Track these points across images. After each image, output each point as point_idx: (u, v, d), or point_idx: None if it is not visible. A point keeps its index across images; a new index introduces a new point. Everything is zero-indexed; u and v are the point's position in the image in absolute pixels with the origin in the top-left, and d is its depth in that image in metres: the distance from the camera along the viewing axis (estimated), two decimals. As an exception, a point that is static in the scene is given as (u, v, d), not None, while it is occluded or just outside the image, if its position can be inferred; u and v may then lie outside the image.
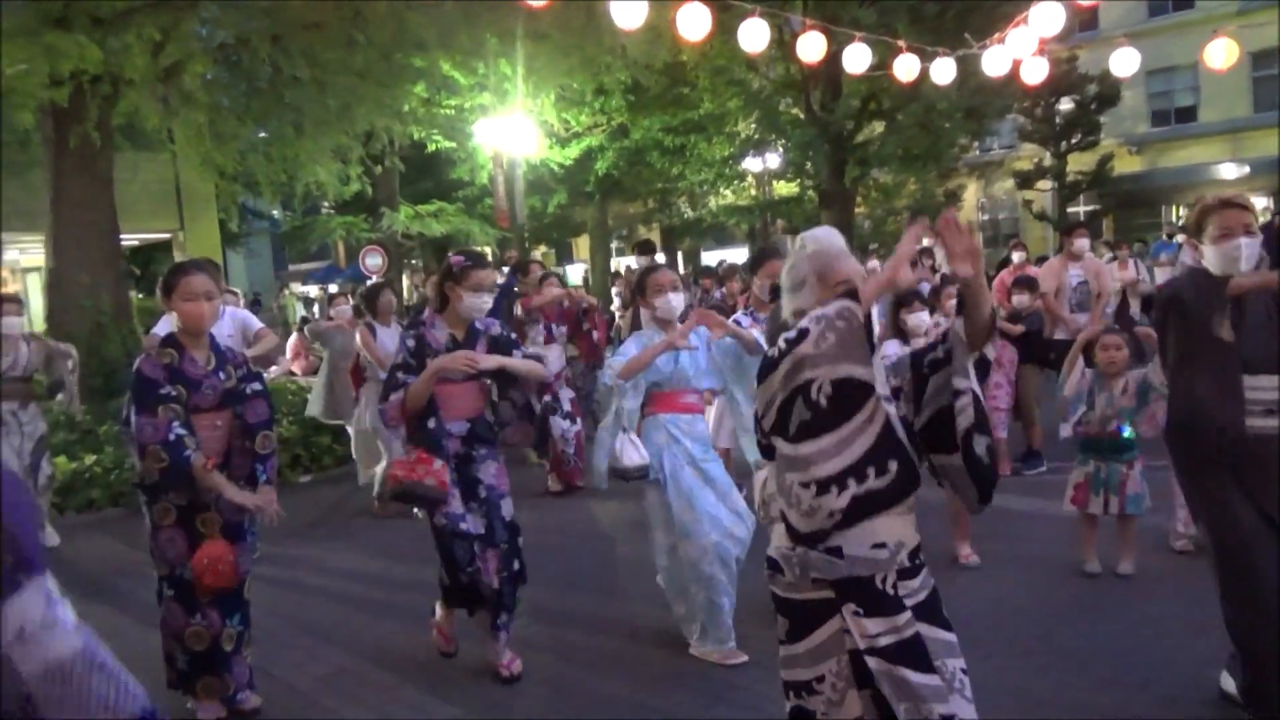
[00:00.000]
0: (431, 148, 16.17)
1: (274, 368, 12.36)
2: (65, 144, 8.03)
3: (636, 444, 3.97)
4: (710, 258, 26.18)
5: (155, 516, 3.59)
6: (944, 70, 7.11)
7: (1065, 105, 23.38)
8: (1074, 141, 23.54)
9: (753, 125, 20.26)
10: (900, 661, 2.12)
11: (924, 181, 22.20)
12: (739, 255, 23.29)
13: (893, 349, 6.00)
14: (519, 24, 8.53)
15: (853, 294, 2.18)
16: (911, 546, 2.22)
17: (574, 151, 19.71)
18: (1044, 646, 3.90)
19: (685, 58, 16.21)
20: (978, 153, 26.50)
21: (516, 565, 3.98)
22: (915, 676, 2.11)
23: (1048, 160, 24.04)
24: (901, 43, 7.03)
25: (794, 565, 2.21)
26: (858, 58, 6.83)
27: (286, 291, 26.29)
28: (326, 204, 17.48)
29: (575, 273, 27.36)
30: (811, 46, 6.72)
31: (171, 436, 3.36)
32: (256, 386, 3.74)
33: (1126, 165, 25.01)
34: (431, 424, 3.82)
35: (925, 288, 6.01)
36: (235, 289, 7.33)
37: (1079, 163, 23.44)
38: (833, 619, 2.19)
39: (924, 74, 7.16)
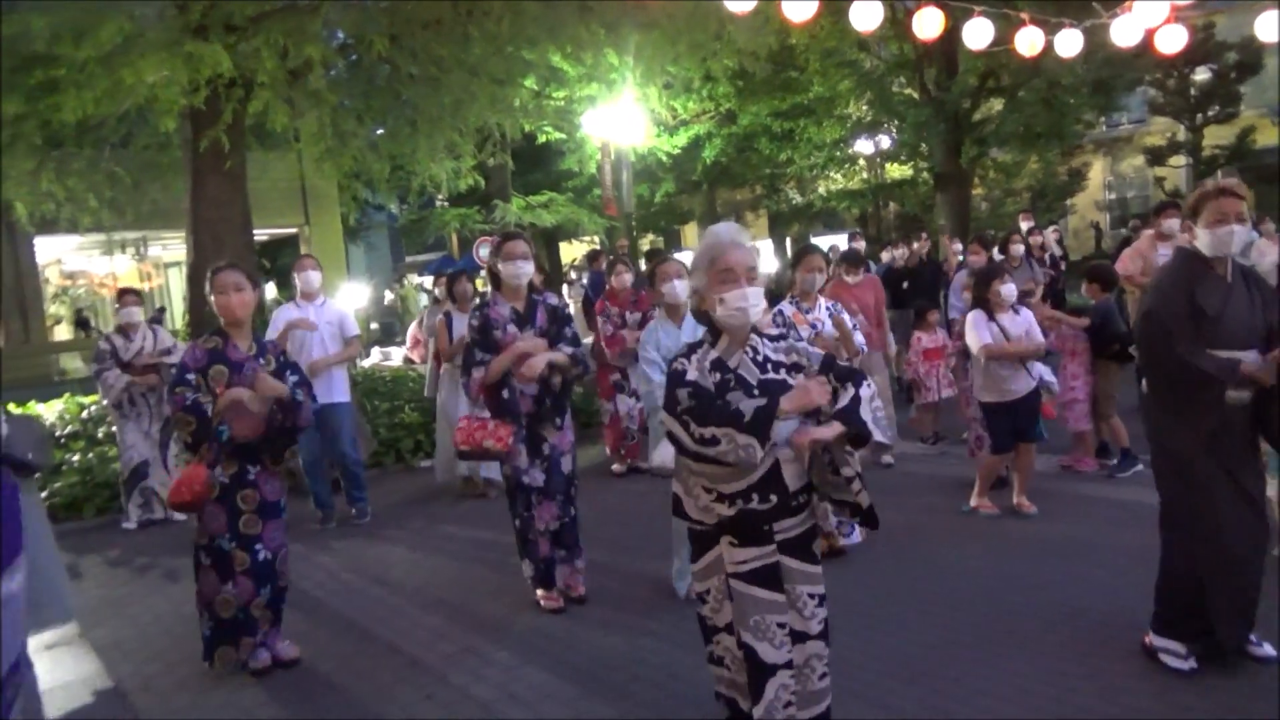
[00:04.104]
0: (542, 139, 16.42)
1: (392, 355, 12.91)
2: (201, 146, 8.46)
3: None
4: (820, 244, 25.68)
5: None
6: (1069, 42, 6.82)
7: (1201, 75, 22.08)
8: (1211, 114, 22.22)
9: (864, 107, 19.82)
10: (754, 582, 2.65)
11: (1046, 160, 21.32)
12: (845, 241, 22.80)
13: (981, 324, 5.79)
14: (628, 15, 8.55)
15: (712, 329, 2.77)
16: (792, 490, 2.66)
17: (682, 139, 19.71)
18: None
19: (794, 41, 15.96)
20: (1104, 128, 25.31)
21: (573, 511, 4.66)
22: (762, 593, 2.65)
23: (1181, 134, 22.77)
24: (1024, 15, 6.77)
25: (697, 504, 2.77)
26: (979, 33, 6.61)
27: (407, 281, 27.06)
28: (441, 197, 18.00)
29: (684, 260, 27.25)
30: (927, 23, 6.53)
31: (188, 401, 3.94)
32: (294, 377, 4.19)
33: (1270, 137, 23.41)
34: (505, 394, 4.46)
35: (1014, 290, 5.76)
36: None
37: (1216, 136, 22.10)
38: (717, 546, 2.73)
39: (1048, 47, 6.88)
